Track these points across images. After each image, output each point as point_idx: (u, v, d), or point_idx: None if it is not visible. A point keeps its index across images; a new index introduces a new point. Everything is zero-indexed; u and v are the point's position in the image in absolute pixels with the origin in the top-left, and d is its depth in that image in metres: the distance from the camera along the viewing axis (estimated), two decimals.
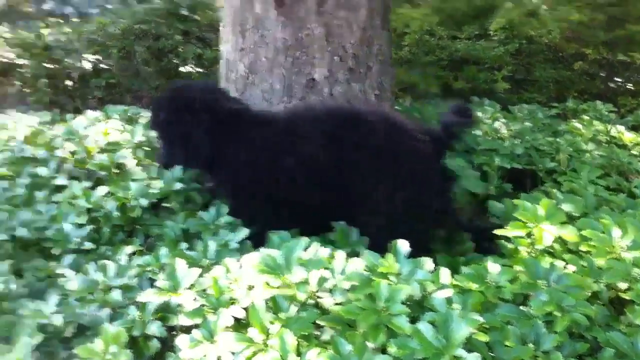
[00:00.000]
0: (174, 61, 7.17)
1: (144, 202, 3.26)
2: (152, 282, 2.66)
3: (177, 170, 3.42)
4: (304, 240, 2.40)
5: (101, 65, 6.66)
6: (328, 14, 3.76)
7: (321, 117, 3.14)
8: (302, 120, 3.17)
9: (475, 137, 4.33)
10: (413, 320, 2.06)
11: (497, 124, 4.52)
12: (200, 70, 7.02)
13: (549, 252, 2.65)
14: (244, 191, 3.19)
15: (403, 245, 2.37)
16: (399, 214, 2.95)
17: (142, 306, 2.36)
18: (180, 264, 2.42)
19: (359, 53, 3.89)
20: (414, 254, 2.45)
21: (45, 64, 6.27)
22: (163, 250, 2.74)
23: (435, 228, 3.26)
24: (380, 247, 2.49)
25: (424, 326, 1.97)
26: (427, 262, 2.35)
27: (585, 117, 5.10)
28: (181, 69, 7.18)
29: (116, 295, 2.47)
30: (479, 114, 4.95)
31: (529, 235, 2.68)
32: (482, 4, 7.62)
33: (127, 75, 6.96)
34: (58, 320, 2.30)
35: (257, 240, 2.83)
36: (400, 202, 2.94)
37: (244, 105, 3.40)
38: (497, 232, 2.75)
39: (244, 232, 2.95)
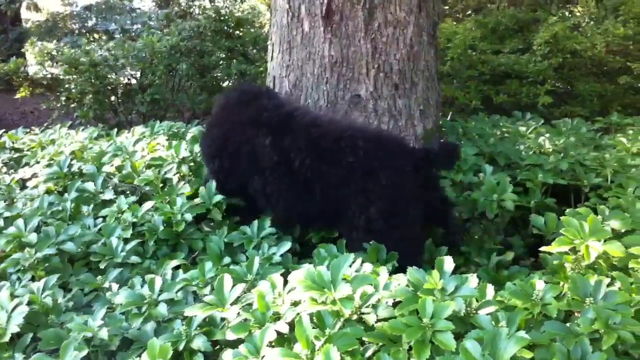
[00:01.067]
0: (217, 77, 7.27)
1: (189, 216, 3.31)
2: (196, 296, 2.70)
3: (212, 183, 3.52)
4: (350, 256, 2.40)
5: (146, 81, 6.78)
6: (375, 31, 3.80)
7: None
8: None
9: (519, 151, 4.30)
10: (457, 336, 2.05)
11: (540, 139, 4.47)
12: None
13: (594, 268, 2.61)
14: None
15: (448, 263, 2.36)
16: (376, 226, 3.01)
17: (187, 320, 2.38)
18: (227, 280, 2.45)
19: (404, 69, 3.91)
20: (404, 263, 2.66)
21: (91, 80, 6.39)
22: (208, 265, 2.77)
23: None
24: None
25: (471, 344, 1.95)
26: (472, 279, 2.33)
27: (630, 131, 5.01)
28: (224, 84, 7.27)
29: (162, 309, 2.50)
30: (522, 128, 4.91)
31: (574, 251, 2.64)
32: (525, 17, 7.58)
33: (171, 91, 7.07)
34: (104, 334, 2.34)
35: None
36: (376, 214, 3.00)
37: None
38: (544, 248, 2.72)
39: (287, 245, 2.99)
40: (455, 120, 5.44)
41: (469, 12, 9.70)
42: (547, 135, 4.66)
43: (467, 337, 2.03)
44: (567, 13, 8.32)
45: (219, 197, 3.42)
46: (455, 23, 7.95)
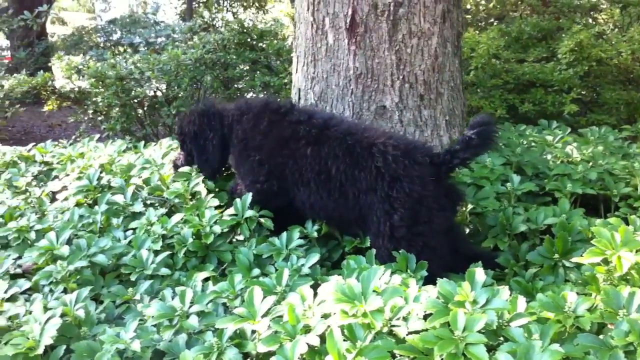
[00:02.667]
0: (241, 89, 7.31)
1: (218, 229, 3.33)
2: (226, 308, 2.71)
3: (247, 197, 3.49)
4: (380, 268, 2.40)
5: (171, 94, 6.84)
6: (400, 42, 3.81)
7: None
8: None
9: (546, 161, 4.27)
10: (489, 349, 2.04)
11: (568, 148, 4.44)
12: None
13: (626, 279, 2.58)
14: None
15: (479, 274, 2.35)
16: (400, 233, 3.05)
17: (218, 332, 2.39)
18: (257, 292, 2.46)
19: (429, 80, 3.91)
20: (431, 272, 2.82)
21: (118, 94, 6.46)
22: (238, 277, 2.79)
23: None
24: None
25: (504, 357, 1.95)
26: (504, 291, 2.32)
27: None
28: (248, 96, 7.31)
29: (193, 321, 2.52)
30: (548, 137, 4.87)
31: (605, 262, 2.62)
32: (548, 26, 7.54)
33: (195, 103, 7.12)
34: (136, 346, 2.35)
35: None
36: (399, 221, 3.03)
37: None
38: (574, 259, 2.70)
39: (315, 256, 3.00)
40: None
41: (491, 20, 9.68)
42: (575, 144, 4.63)
43: (500, 350, 2.03)
44: (591, 21, 8.27)
45: (250, 213, 3.42)
46: (477, 32, 7.92)
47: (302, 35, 4.17)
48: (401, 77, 3.88)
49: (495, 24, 8.98)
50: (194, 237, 3.32)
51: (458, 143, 3.09)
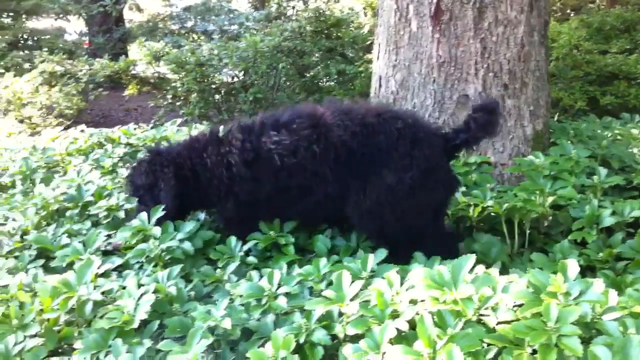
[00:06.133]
0: (316, 76, 7.35)
1: (291, 239, 3.31)
2: (311, 291, 2.75)
3: None
4: (472, 257, 2.39)
5: (248, 81, 6.93)
6: (485, 30, 3.77)
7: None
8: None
9: (633, 155, 4.16)
10: (582, 341, 2.01)
11: None
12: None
13: None
14: None
15: (572, 266, 2.32)
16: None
17: (307, 314, 2.42)
18: (346, 276, 2.48)
19: (514, 69, 3.86)
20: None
21: (197, 79, 6.58)
22: (323, 261, 2.82)
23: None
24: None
25: (601, 350, 1.91)
26: (597, 283, 2.28)
27: None
28: (322, 84, 7.35)
29: (282, 301, 2.56)
30: (634, 130, 4.74)
31: None
32: (631, 17, 7.32)
33: (271, 90, 7.20)
34: (227, 324, 2.41)
35: None
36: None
37: None
38: None
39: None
40: (565, 121, 5.31)
41: (568, 11, 9.46)
42: None
43: (595, 343, 1.99)
44: None
45: None
46: (556, 22, 7.75)
47: (384, 23, 4.17)
48: (485, 65, 3.83)
49: (572, 15, 8.78)
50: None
51: (463, 124, 3.14)
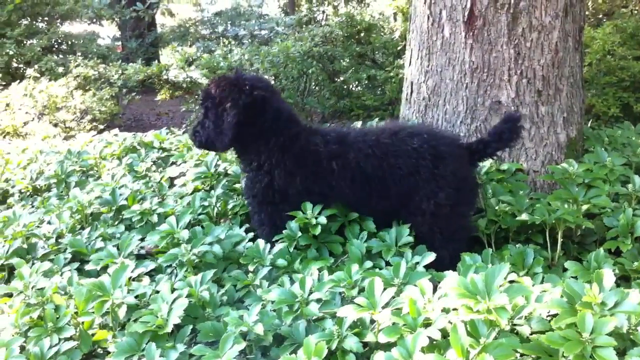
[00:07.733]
0: (347, 81, 7.36)
1: (323, 219, 3.31)
2: (343, 298, 2.74)
3: None
4: (506, 266, 2.37)
5: (278, 85, 6.95)
6: (519, 36, 3.74)
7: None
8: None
9: None
10: (617, 353, 1.98)
11: None
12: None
13: None
14: None
15: (608, 276, 2.29)
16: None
17: (338, 320, 2.42)
18: (378, 283, 2.48)
19: (548, 75, 3.82)
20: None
21: None
22: (354, 267, 2.81)
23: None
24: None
25: None
26: (634, 293, 2.25)
27: None
28: (352, 88, 7.36)
29: (313, 308, 2.56)
30: None
31: None
32: None
33: (301, 95, 7.23)
34: (259, 329, 2.42)
35: None
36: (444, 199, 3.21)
37: None
38: None
39: (431, 256, 2.97)
40: (598, 128, 5.24)
41: (599, 16, 9.35)
42: None
43: (630, 355, 1.97)
44: None
45: None
46: (589, 27, 7.66)
47: (417, 29, 4.16)
48: (519, 72, 3.80)
49: (604, 20, 8.67)
50: (301, 230, 3.32)
51: (489, 135, 3.31)
